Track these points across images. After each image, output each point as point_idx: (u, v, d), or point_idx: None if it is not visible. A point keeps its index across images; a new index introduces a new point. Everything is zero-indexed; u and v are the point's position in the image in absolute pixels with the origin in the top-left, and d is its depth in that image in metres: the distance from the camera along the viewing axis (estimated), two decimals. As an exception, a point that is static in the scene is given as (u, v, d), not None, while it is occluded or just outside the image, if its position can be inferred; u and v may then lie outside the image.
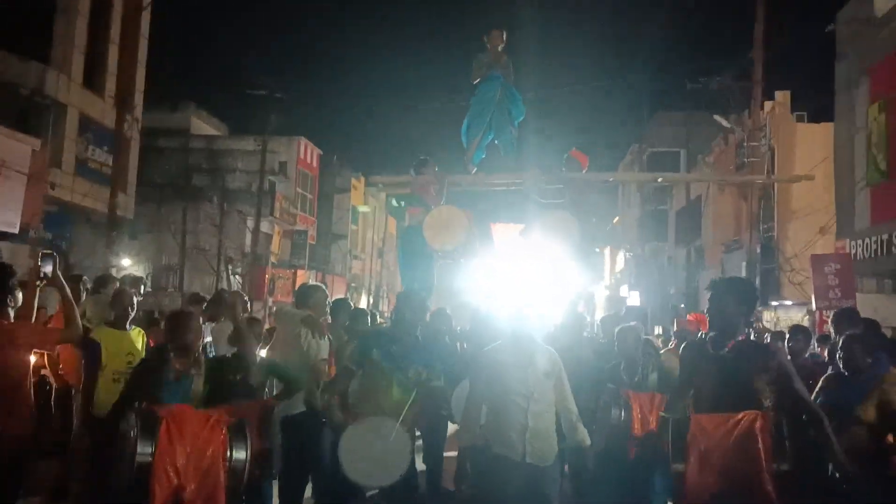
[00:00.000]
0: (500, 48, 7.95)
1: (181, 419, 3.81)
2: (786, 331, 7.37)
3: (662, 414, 4.13)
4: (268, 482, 5.06)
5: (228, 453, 3.82)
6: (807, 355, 6.21)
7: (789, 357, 5.83)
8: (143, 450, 3.65)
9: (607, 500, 5.46)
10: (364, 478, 4.43)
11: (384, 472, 4.39)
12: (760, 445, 3.52)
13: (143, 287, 6.14)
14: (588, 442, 4.58)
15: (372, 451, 4.35)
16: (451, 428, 6.26)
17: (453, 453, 7.02)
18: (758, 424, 3.57)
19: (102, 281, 6.76)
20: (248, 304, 7.89)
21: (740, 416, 3.61)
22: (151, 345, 5.53)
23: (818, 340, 6.68)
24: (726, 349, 3.81)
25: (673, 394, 4.23)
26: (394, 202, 40.40)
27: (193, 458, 3.72)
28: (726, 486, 3.54)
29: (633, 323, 5.95)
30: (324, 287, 6.18)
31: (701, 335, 4.32)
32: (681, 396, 4.12)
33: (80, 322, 4.52)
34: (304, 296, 5.92)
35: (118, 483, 3.83)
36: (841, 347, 4.75)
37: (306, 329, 5.47)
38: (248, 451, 3.89)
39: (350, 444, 4.40)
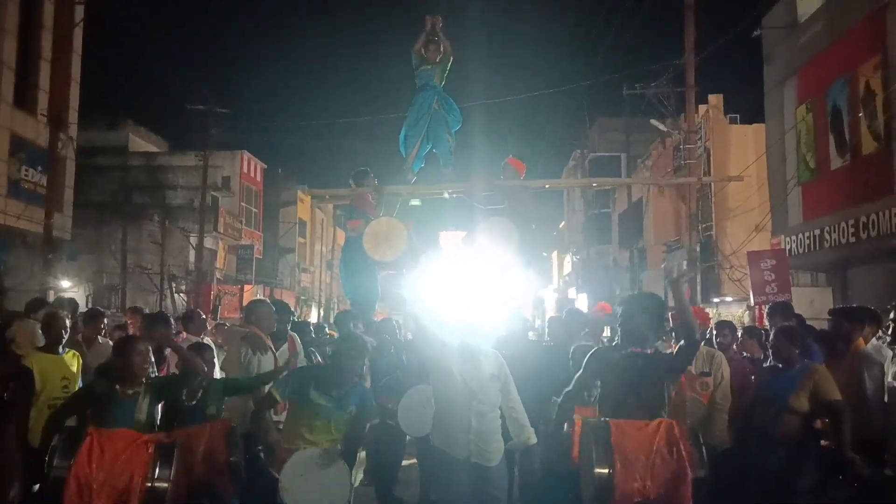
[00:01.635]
0: (437, 27, 8.04)
1: (107, 438, 3.79)
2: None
3: (580, 417, 4.30)
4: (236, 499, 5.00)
5: (151, 474, 3.79)
6: (745, 354, 6.35)
7: (719, 351, 6.07)
8: (60, 464, 3.64)
9: None
10: None
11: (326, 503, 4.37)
12: (684, 452, 3.64)
13: (77, 309, 5.95)
14: (534, 440, 4.63)
15: (311, 483, 4.33)
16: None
17: (412, 461, 7.07)
18: (677, 431, 3.70)
19: (33, 305, 6.54)
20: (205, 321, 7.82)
21: (656, 422, 3.74)
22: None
23: (744, 332, 6.89)
24: (639, 350, 3.99)
25: (571, 388, 4.32)
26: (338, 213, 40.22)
27: (110, 477, 3.69)
28: (651, 491, 3.62)
29: (590, 343, 6.08)
30: (267, 301, 6.17)
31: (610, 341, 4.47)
32: (578, 392, 4.29)
33: None
34: (248, 311, 5.98)
35: (42, 499, 3.78)
36: (772, 340, 4.96)
37: (246, 347, 5.47)
38: (172, 473, 3.84)
39: (290, 477, 4.36)
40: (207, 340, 8.63)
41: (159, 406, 4.57)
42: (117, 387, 4.30)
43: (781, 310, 6.40)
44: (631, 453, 3.63)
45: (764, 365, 5.36)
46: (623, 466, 3.60)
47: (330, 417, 4.61)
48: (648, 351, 4.01)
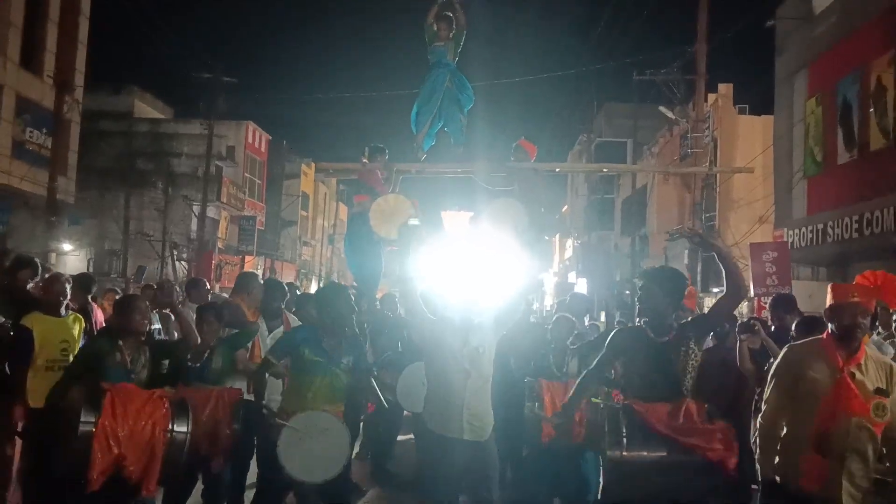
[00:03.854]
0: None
1: (125, 394, 3.95)
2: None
3: (594, 400, 4.17)
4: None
5: (170, 426, 3.97)
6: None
7: (715, 340, 6.06)
8: (87, 419, 3.75)
9: (543, 489, 5.62)
10: (303, 473, 4.40)
11: (324, 467, 4.39)
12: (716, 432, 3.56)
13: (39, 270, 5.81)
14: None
15: (310, 446, 4.36)
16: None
17: (409, 436, 7.14)
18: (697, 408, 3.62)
19: (19, 263, 5.98)
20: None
21: (682, 402, 3.66)
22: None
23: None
24: (666, 338, 3.88)
25: (590, 369, 4.26)
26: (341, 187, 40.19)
27: (135, 431, 3.85)
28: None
29: (568, 315, 6.13)
30: (255, 273, 6.25)
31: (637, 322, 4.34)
32: (598, 372, 4.21)
33: None
34: (236, 283, 6.19)
35: (62, 454, 3.89)
36: (794, 334, 4.94)
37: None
38: (189, 425, 4.04)
39: (288, 440, 4.38)
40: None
41: (165, 364, 4.65)
42: (120, 342, 4.38)
43: (784, 301, 6.37)
44: (659, 436, 3.55)
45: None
46: (644, 449, 3.54)
47: (325, 372, 4.60)
48: (667, 327, 3.92)
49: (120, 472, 3.79)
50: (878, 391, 3.57)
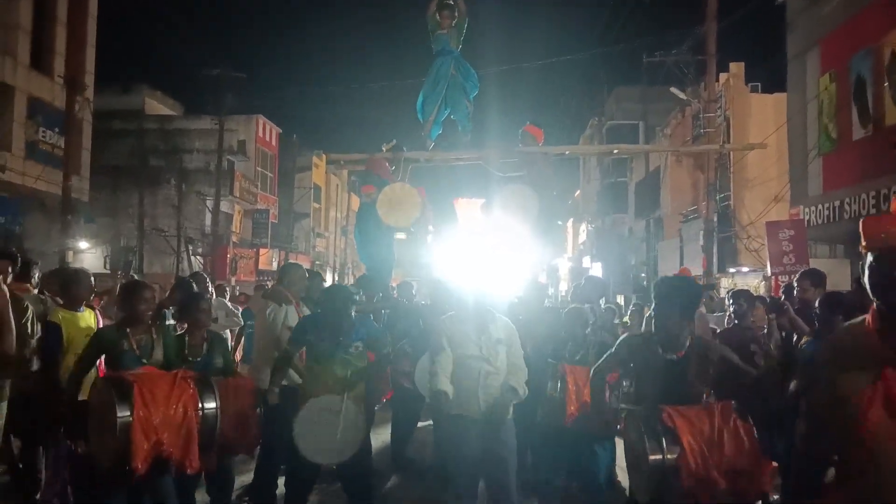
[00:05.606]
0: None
1: (150, 381, 4.06)
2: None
3: (624, 406, 4.18)
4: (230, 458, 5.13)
5: (200, 404, 4.08)
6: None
7: (735, 320, 6.01)
8: (123, 413, 3.86)
9: (554, 471, 5.64)
10: (319, 456, 4.52)
11: (338, 449, 4.49)
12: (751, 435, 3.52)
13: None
14: (521, 392, 4.66)
15: (324, 429, 4.46)
16: None
17: (427, 422, 7.18)
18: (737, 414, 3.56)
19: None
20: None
21: (713, 406, 3.62)
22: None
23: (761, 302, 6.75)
24: (676, 356, 3.82)
25: (600, 365, 4.25)
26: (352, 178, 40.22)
27: (168, 415, 3.96)
28: (720, 475, 3.44)
29: (585, 305, 6.12)
30: (300, 265, 6.40)
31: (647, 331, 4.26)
32: (606, 370, 4.22)
33: (12, 340, 4.09)
34: (280, 273, 6.29)
35: (103, 447, 3.99)
36: (818, 310, 4.87)
37: (270, 301, 5.74)
38: (217, 400, 4.15)
39: (302, 424, 4.50)
40: (229, 304, 8.74)
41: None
42: (128, 330, 4.45)
43: (812, 274, 6.24)
44: (697, 439, 3.46)
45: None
46: (691, 454, 3.42)
47: (334, 358, 4.70)
48: (679, 345, 3.84)
49: (160, 455, 3.92)
50: None
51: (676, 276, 4.42)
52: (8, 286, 5.32)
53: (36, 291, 5.71)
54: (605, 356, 4.25)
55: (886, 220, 2.31)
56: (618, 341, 4.27)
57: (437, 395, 4.62)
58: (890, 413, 2.05)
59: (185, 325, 5.23)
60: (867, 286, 2.27)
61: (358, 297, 5.98)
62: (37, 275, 5.89)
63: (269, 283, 10.30)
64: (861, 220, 2.31)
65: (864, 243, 2.32)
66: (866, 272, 2.27)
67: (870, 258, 2.27)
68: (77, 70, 19.03)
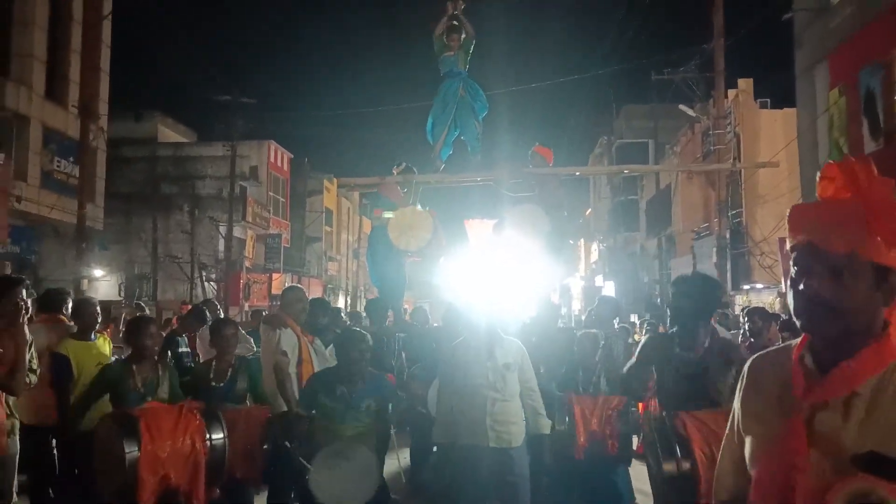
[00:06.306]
0: (459, 10, 8.05)
1: (155, 414, 4.05)
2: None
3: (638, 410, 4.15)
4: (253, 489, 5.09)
5: (207, 435, 4.07)
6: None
7: (750, 338, 5.97)
8: (130, 448, 3.85)
9: (569, 496, 5.56)
10: (337, 502, 4.48)
11: (355, 494, 4.44)
12: None
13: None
14: (546, 430, 4.65)
15: (340, 476, 4.42)
16: None
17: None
18: None
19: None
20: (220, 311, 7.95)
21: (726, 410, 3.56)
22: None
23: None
24: (694, 354, 3.81)
25: (628, 375, 4.21)
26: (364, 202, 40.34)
27: (175, 448, 3.95)
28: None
29: (592, 331, 6.09)
30: (299, 287, 6.34)
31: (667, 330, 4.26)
32: (637, 376, 4.15)
33: (23, 380, 4.08)
34: (281, 297, 6.22)
35: (109, 482, 3.96)
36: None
37: (265, 325, 5.68)
38: (224, 430, 4.14)
39: (320, 469, 4.47)
40: (241, 331, 8.78)
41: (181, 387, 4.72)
42: (133, 367, 4.45)
43: None
44: (705, 443, 3.41)
45: None
46: (699, 459, 3.38)
47: (344, 417, 4.60)
48: (698, 343, 3.83)
49: (167, 488, 3.90)
50: (867, 461, 1.43)
51: (695, 274, 4.38)
52: (39, 319, 5.38)
53: (71, 322, 5.60)
54: (636, 363, 4.18)
55: (816, 207, 1.67)
56: (641, 342, 4.25)
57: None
58: (783, 462, 1.53)
59: (214, 351, 5.21)
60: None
61: (365, 321, 5.93)
62: (70, 304, 5.83)
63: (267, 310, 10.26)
64: (790, 208, 1.68)
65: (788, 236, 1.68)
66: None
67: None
68: (91, 98, 19.21)
